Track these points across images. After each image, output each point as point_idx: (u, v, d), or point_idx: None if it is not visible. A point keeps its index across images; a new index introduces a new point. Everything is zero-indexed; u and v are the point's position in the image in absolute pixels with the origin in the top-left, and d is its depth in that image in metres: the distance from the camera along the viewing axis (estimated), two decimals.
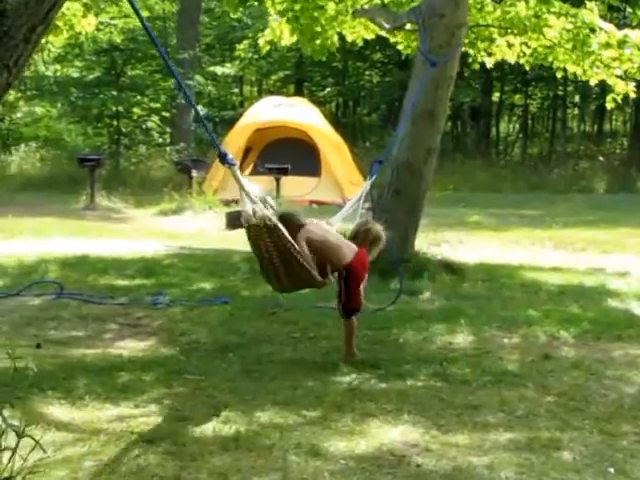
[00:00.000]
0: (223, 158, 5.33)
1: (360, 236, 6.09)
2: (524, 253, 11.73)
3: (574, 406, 5.14)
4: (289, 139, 19.35)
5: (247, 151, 19.46)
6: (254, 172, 18.85)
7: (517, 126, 33.29)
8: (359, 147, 26.40)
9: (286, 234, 5.50)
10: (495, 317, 7.36)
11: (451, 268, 9.34)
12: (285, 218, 5.63)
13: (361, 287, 5.94)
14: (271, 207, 5.57)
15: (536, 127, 33.91)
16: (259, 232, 5.50)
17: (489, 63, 11.38)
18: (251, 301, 8.02)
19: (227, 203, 16.96)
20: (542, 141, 32.00)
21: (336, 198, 18.37)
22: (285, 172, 17.38)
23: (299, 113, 19.96)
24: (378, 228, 6.19)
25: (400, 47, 11.63)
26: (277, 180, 17.21)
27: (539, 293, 8.64)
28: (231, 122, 23.68)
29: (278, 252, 5.54)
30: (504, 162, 28.30)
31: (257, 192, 5.53)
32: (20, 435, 3.65)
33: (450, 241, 11.47)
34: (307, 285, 5.99)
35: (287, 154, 18.17)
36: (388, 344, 6.51)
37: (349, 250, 5.88)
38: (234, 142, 19.19)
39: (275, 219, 5.45)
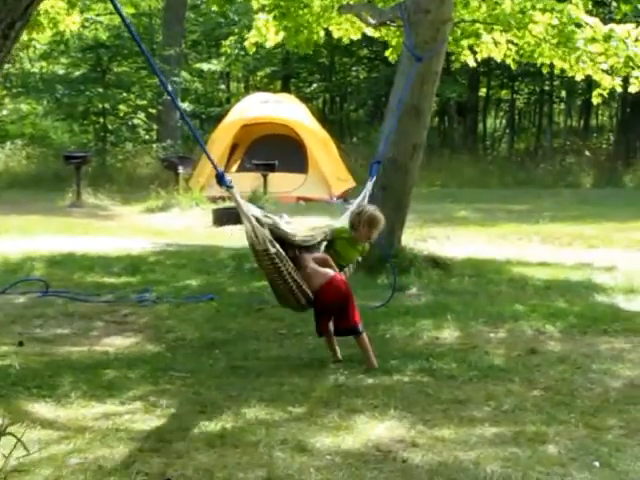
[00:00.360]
0: (220, 179, 5.22)
1: (356, 223, 6.07)
2: (511, 248, 11.74)
3: (560, 400, 5.16)
4: (276, 135, 19.32)
5: (234, 148, 19.43)
6: (241, 169, 18.85)
7: (504, 121, 33.33)
8: (346, 143, 26.42)
9: (285, 259, 5.47)
10: (482, 312, 7.37)
11: (438, 263, 9.35)
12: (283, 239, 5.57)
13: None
14: (275, 234, 5.43)
15: (523, 122, 33.96)
16: (263, 257, 5.41)
17: (472, 62, 11.39)
18: (237, 298, 8.02)
19: (214, 200, 16.95)
20: (529, 136, 32.06)
21: (323, 194, 18.40)
22: (272, 168, 17.38)
23: (286, 109, 19.94)
24: (371, 209, 6.18)
25: (387, 53, 11.69)
26: (264, 176, 17.21)
27: (526, 288, 8.66)
28: (218, 118, 23.63)
29: (281, 277, 5.52)
30: (491, 157, 28.34)
31: (260, 213, 5.40)
32: (2, 433, 3.63)
33: (437, 237, 11.51)
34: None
35: (274, 150, 18.16)
36: (375, 340, 6.48)
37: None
38: (221, 139, 19.18)
39: (275, 248, 5.36)
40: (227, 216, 14.47)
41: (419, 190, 11.53)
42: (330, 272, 5.79)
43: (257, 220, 5.30)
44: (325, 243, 6.09)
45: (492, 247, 11.82)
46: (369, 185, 7.00)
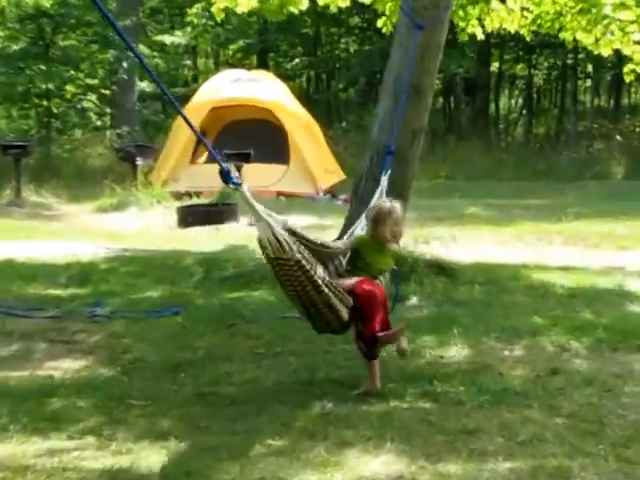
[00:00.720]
0: (226, 177, 5.06)
1: (368, 224, 6.15)
2: (529, 251, 11.77)
3: (586, 429, 5.17)
4: (251, 120, 19.34)
5: (202, 133, 19.43)
6: (210, 160, 18.83)
7: (520, 101, 33.49)
8: (334, 128, 26.47)
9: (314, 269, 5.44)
10: (494, 326, 7.38)
11: (443, 269, 9.35)
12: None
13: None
14: (297, 235, 5.38)
15: (542, 102, 34.12)
16: (288, 267, 5.33)
17: (480, 34, 11.42)
18: (206, 311, 8.01)
19: (178, 196, 16.97)
20: (549, 119, 32.21)
21: (307, 189, 18.43)
22: (247, 159, 17.36)
23: (263, 89, 19.97)
24: (378, 203, 6.29)
25: (379, 24, 11.69)
26: (238, 169, 17.14)
27: (546, 297, 8.67)
28: (183, 100, 23.60)
29: (314, 288, 5.47)
30: (505, 144, 28.46)
31: (278, 219, 5.34)
32: None
33: (442, 238, 11.54)
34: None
35: (249, 138, 18.16)
36: None
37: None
38: (185, 125, 19.14)
39: (301, 254, 5.31)
40: (194, 216, 14.48)
41: (420, 184, 11.56)
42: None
43: (282, 225, 5.25)
44: (349, 254, 6.11)
45: (506, 250, 11.86)
46: (383, 180, 7.10)
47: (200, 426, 5.19)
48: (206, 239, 12.55)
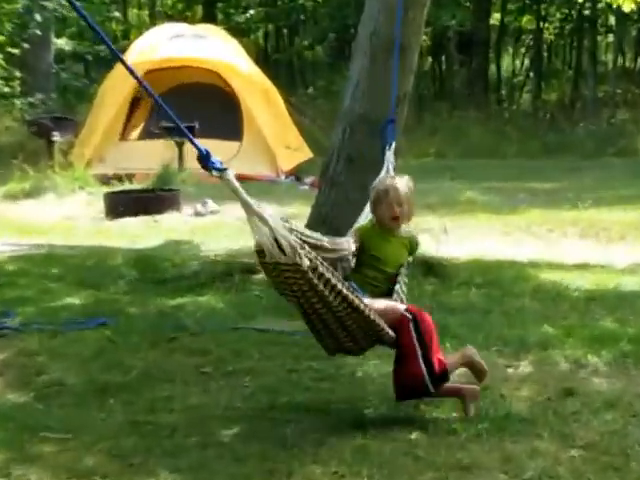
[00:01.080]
0: (206, 161, 5.06)
1: (370, 207, 6.22)
2: (537, 245, 11.84)
3: (608, 463, 5.20)
4: (195, 86, 19.32)
5: (134, 104, 19.38)
6: (145, 135, 18.81)
7: (526, 62, 33.59)
8: (298, 95, 26.50)
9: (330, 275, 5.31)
10: (495, 337, 7.41)
11: (432, 268, 9.40)
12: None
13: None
14: (298, 234, 5.24)
15: (554, 63, 34.29)
16: (290, 275, 5.18)
17: None
18: (141, 322, 8.00)
19: (106, 181, 16.90)
20: (562, 83, 32.36)
21: (265, 170, 18.41)
22: (190, 134, 17.31)
23: (210, 47, 19.95)
24: (376, 181, 6.35)
25: None
26: (179, 146, 17.17)
27: (559, 301, 8.72)
28: (110, 61, 23.55)
29: (324, 302, 5.37)
30: (508, 114, 28.56)
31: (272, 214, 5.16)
32: None
33: (431, 230, 11.55)
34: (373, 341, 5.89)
35: (193, 107, 18.06)
36: (341, 380, 6.53)
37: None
38: (115, 90, 19.11)
39: (309, 260, 5.10)
40: (125, 204, 14.43)
41: (405, 162, 11.57)
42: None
43: (282, 221, 5.11)
44: (355, 254, 6.09)
45: (510, 244, 11.92)
46: (389, 156, 7.13)
47: (133, 463, 5.18)
48: (140, 233, 12.50)
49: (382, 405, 6.04)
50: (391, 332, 5.68)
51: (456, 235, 11.96)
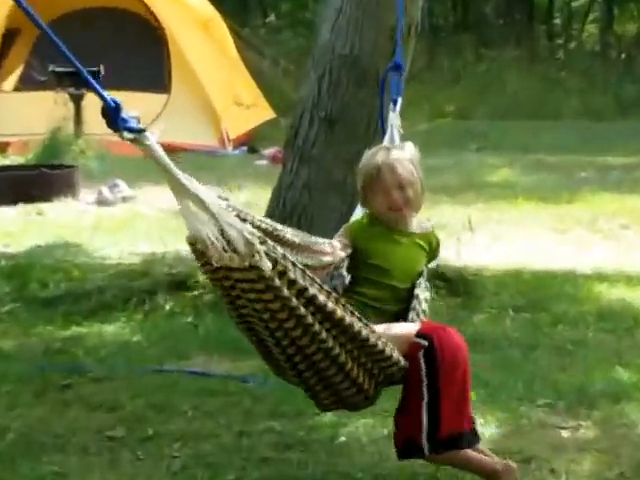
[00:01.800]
0: (114, 118, 4.97)
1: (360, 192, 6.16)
2: (605, 248, 11.91)
3: None
4: (102, 12, 19.36)
5: (9, 37, 19.39)
6: (26, 82, 18.84)
7: None
8: (253, 27, 26.55)
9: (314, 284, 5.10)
10: (543, 385, 7.49)
11: (451, 283, 9.48)
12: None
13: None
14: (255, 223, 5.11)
15: None
16: (247, 286, 4.95)
17: None
18: (18, 363, 8.05)
19: None
20: None
21: (204, 137, 18.44)
22: (94, 81, 17.37)
23: None
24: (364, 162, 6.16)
25: None
26: (76, 100, 17.17)
27: (636, 332, 8.80)
28: None
29: (300, 324, 5.09)
30: (564, 54, 28.66)
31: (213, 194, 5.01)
32: None
33: (449, 225, 11.62)
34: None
35: (98, 43, 18.19)
36: (314, 447, 6.58)
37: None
38: None
39: (273, 261, 4.83)
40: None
41: (411, 125, 11.62)
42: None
43: (227, 206, 4.94)
44: (346, 264, 6.01)
45: (562, 246, 11.97)
46: (392, 118, 7.09)
47: None
48: (17, 230, 12.48)
49: None
50: (404, 362, 5.56)
51: (486, 234, 12.03)
